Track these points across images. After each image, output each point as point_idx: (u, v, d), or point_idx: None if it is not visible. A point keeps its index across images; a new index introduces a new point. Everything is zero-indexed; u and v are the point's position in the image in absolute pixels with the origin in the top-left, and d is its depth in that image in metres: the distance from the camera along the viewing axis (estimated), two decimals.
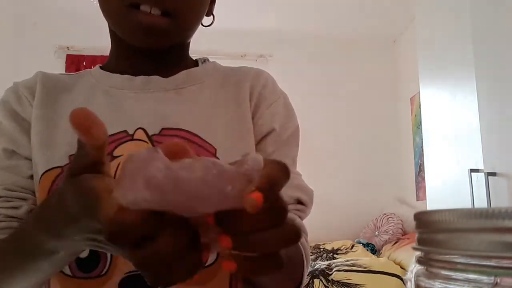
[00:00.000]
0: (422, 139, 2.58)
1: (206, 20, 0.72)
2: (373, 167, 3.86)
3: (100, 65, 0.70)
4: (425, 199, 2.38)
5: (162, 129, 0.60)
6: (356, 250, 3.18)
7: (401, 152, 3.86)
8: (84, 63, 3.72)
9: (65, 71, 3.74)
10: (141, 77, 0.65)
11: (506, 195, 1.60)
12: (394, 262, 2.81)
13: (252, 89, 0.68)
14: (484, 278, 0.26)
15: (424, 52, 2.42)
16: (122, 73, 0.66)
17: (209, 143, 0.60)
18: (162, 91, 0.65)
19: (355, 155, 3.87)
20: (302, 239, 0.62)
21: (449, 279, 0.28)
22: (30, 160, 0.62)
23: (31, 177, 0.62)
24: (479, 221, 0.27)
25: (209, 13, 0.72)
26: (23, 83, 0.67)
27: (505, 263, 0.25)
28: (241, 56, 3.84)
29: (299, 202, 0.64)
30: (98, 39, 3.83)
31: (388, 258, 2.94)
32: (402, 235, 3.23)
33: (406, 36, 3.84)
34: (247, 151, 0.60)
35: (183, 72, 0.67)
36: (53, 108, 0.65)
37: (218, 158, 0.57)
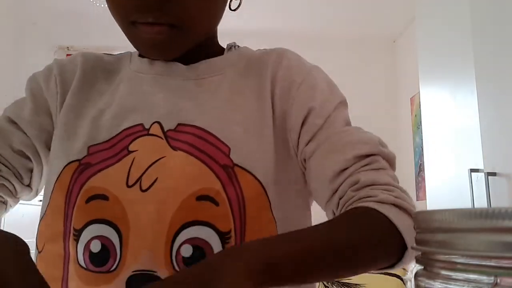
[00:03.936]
0: (422, 139, 2.58)
1: (233, 3, 0.69)
2: None
3: None
4: (425, 199, 2.38)
5: (178, 124, 0.59)
6: None
7: (401, 152, 3.85)
8: None
9: None
10: (161, 61, 0.63)
11: (506, 195, 1.60)
12: None
13: (274, 74, 0.63)
14: (484, 278, 0.26)
15: (424, 52, 2.42)
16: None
17: (223, 143, 0.58)
18: (182, 79, 0.63)
19: None
20: (390, 207, 0.51)
21: (449, 279, 0.28)
22: (28, 138, 0.63)
23: (19, 152, 0.63)
24: (479, 221, 0.27)
25: None
26: (61, 63, 0.67)
27: (505, 263, 0.25)
28: None
29: (367, 156, 0.59)
30: (98, 39, 3.84)
31: None
32: None
33: (406, 36, 3.84)
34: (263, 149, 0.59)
35: (204, 61, 0.64)
36: (86, 96, 0.64)
37: (231, 158, 0.56)
